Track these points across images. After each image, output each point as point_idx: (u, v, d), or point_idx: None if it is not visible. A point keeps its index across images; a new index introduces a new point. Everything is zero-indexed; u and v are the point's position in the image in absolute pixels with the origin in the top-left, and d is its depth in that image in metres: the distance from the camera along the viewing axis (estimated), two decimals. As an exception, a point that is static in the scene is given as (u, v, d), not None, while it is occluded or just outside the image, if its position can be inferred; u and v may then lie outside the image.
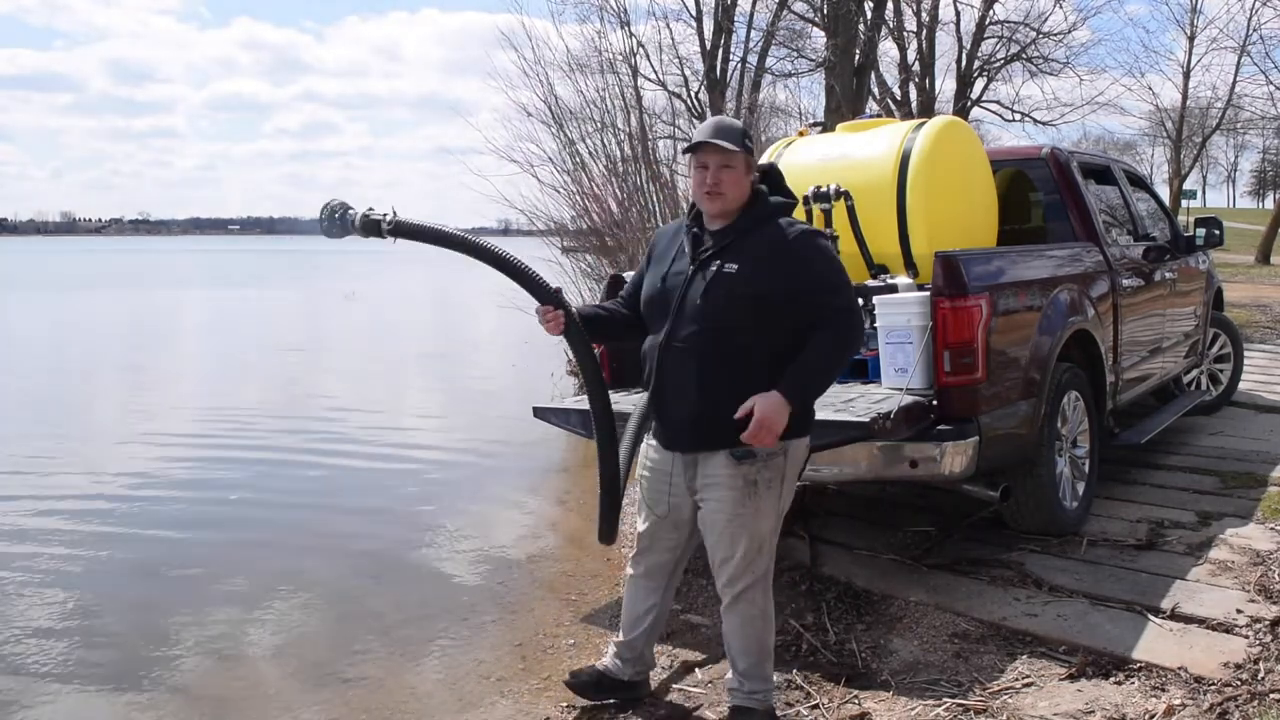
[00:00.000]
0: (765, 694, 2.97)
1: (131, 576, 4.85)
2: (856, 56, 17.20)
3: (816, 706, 3.11)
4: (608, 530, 3.09)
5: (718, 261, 2.75)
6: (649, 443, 3.01)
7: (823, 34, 17.18)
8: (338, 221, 2.83)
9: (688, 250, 2.84)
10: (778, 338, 2.71)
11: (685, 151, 2.87)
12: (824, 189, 4.49)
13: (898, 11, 21.23)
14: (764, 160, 5.10)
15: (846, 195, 4.48)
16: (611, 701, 3.20)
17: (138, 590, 4.64)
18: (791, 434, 2.74)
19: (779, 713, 3.05)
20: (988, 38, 22.33)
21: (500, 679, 3.56)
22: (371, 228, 2.81)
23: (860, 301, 4.19)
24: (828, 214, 4.52)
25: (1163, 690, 3.00)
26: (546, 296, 2.92)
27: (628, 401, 3.41)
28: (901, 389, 3.77)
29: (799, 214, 4.54)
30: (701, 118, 15.62)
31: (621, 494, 3.06)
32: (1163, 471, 5.46)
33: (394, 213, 2.81)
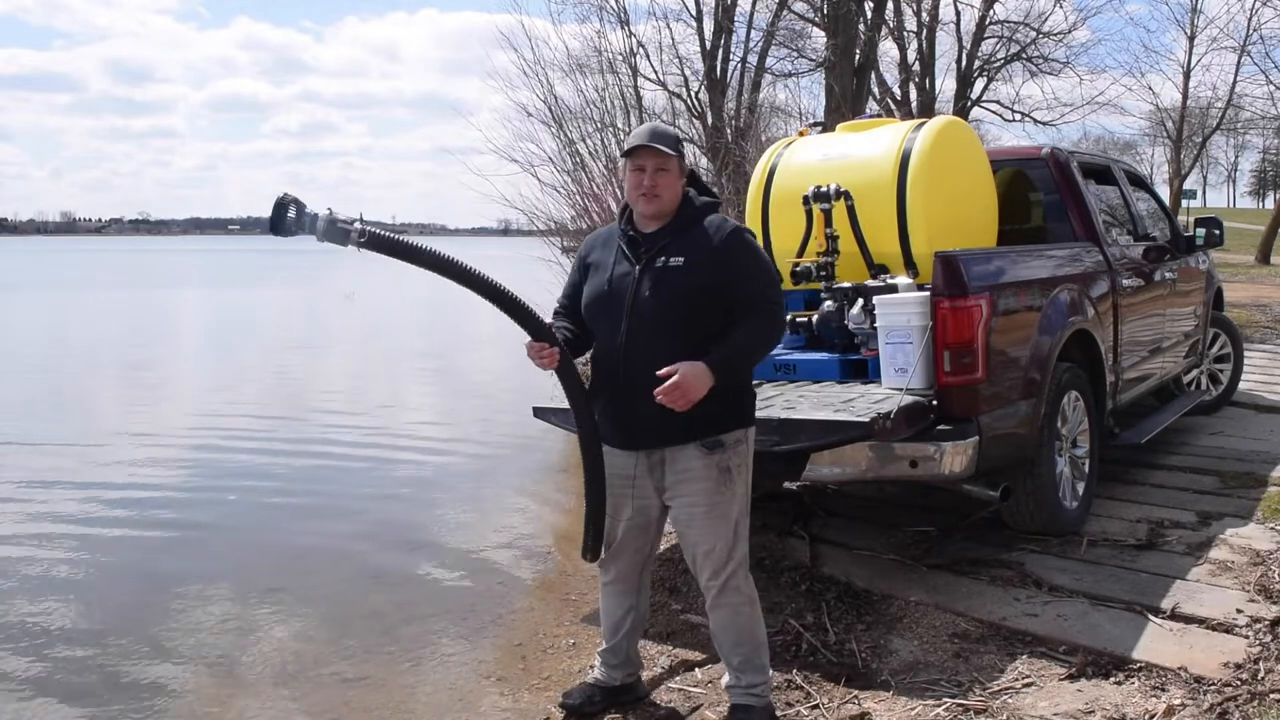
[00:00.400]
0: (763, 687, 2.98)
1: (130, 577, 4.85)
2: (856, 56, 17.18)
3: (816, 706, 3.11)
4: (593, 547, 3.09)
5: (662, 258, 2.83)
6: (612, 448, 2.99)
7: (823, 34, 17.15)
8: (293, 219, 2.46)
9: (628, 253, 2.90)
10: (719, 322, 2.80)
11: (623, 155, 2.94)
12: (824, 189, 4.49)
13: (898, 11, 21.22)
14: (764, 160, 5.12)
15: (846, 195, 4.47)
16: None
17: (136, 591, 4.64)
18: (745, 422, 2.91)
19: (779, 713, 3.05)
20: (988, 38, 22.31)
21: (500, 679, 3.56)
22: (336, 234, 2.45)
23: (862, 302, 4.24)
24: (828, 214, 4.52)
25: (1163, 690, 3.00)
26: (541, 332, 2.78)
27: None
28: (901, 389, 3.76)
29: (798, 213, 4.59)
30: (701, 118, 15.61)
31: (605, 515, 3.05)
32: (1163, 471, 5.46)
33: (362, 220, 2.47)
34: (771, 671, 3.08)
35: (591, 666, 3.33)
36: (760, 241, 4.85)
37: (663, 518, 3.03)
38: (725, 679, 3.06)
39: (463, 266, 2.65)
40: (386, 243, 2.51)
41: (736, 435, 2.88)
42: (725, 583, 2.90)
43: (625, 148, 2.93)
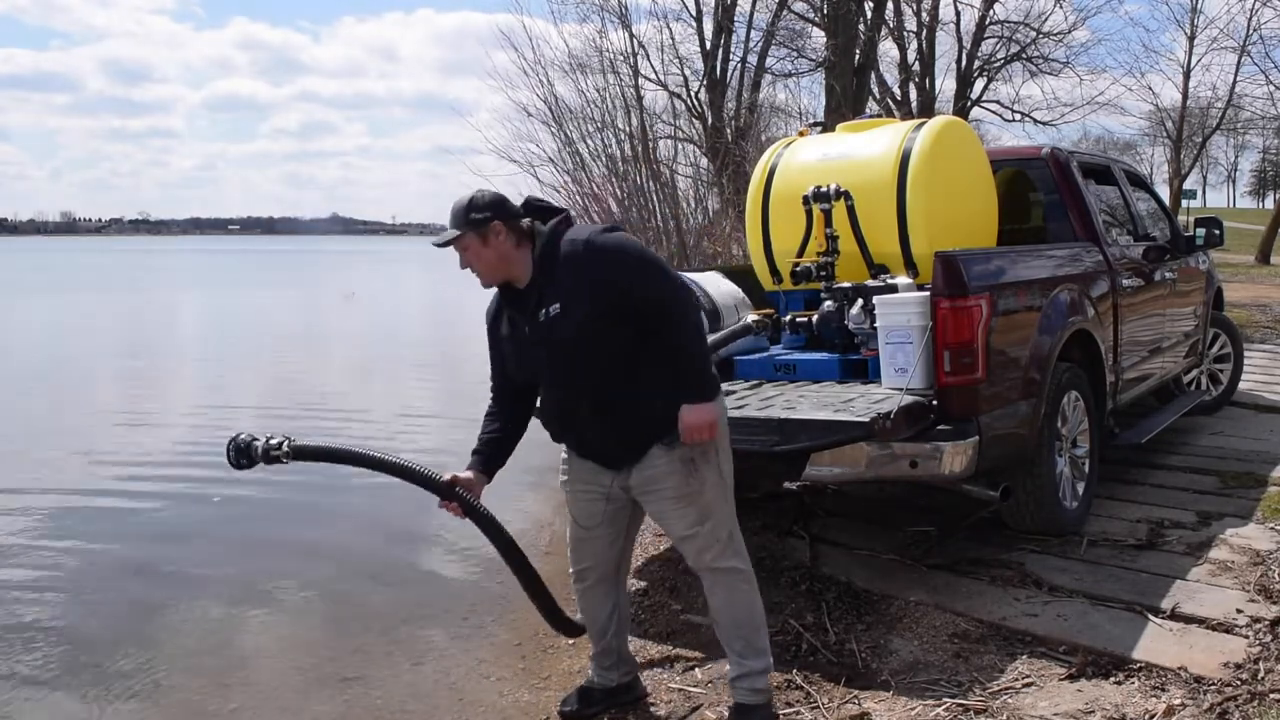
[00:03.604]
0: (764, 673, 2.98)
1: (128, 577, 4.85)
2: (856, 56, 17.18)
3: (816, 706, 3.10)
4: (565, 625, 3.29)
5: (543, 311, 2.77)
6: (572, 458, 3.01)
7: (823, 34, 17.15)
8: (245, 454, 2.98)
9: (515, 316, 2.88)
10: (638, 333, 2.74)
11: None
12: (824, 189, 4.49)
13: (898, 11, 21.22)
14: (764, 160, 5.11)
15: (846, 195, 4.47)
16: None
17: (134, 591, 4.64)
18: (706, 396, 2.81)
19: (780, 713, 3.05)
20: (988, 38, 22.31)
21: (500, 679, 3.56)
22: (273, 458, 2.97)
23: (862, 302, 4.24)
24: (828, 214, 4.52)
25: (1163, 690, 3.00)
26: (439, 491, 3.00)
27: None
28: (901, 389, 3.76)
29: (798, 213, 4.58)
30: (701, 117, 15.61)
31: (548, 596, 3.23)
32: (1163, 471, 5.45)
33: (288, 441, 2.95)
34: (773, 671, 3.07)
35: (588, 669, 3.32)
36: (760, 242, 4.91)
37: (636, 514, 3.04)
38: (728, 670, 3.04)
39: (371, 457, 3.10)
40: (310, 451, 3.03)
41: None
42: (712, 564, 2.91)
43: None
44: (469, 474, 3.02)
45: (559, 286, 2.74)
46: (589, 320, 2.71)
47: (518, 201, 2.90)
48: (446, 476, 3.00)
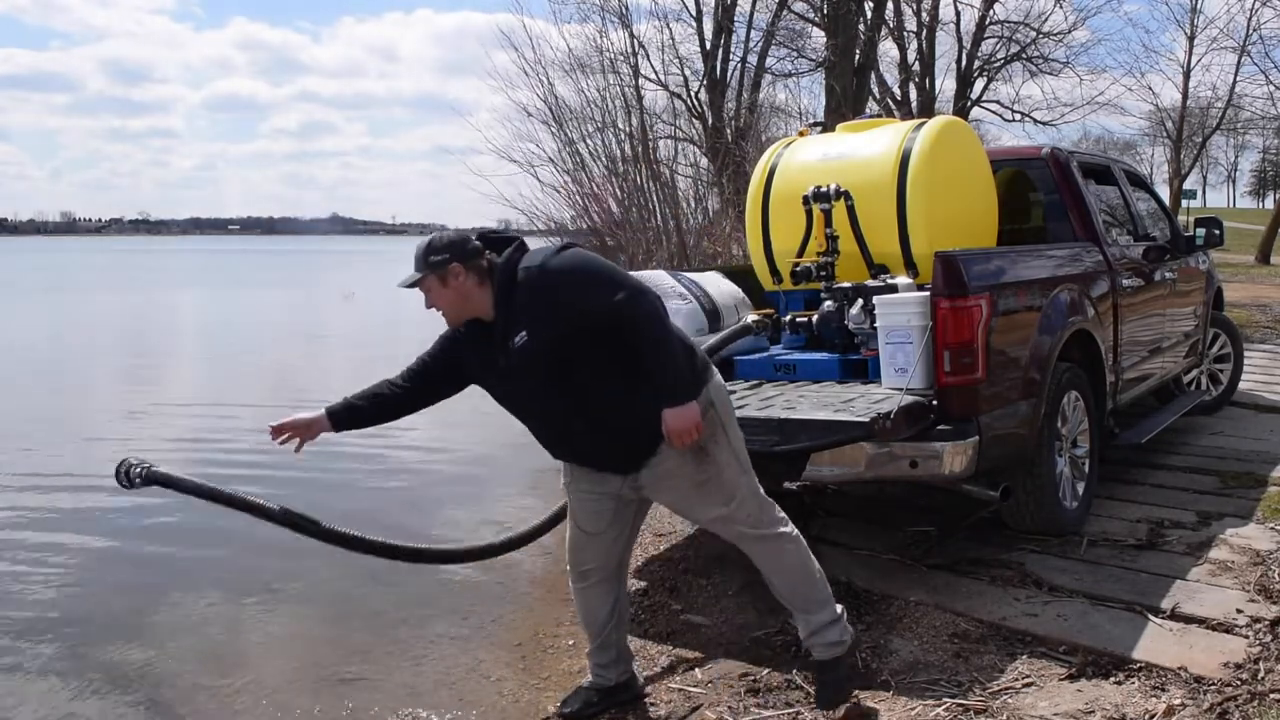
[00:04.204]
0: (834, 623, 2.98)
1: (126, 576, 4.85)
2: (856, 56, 17.18)
3: (817, 706, 3.10)
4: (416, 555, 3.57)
5: (510, 342, 2.77)
6: (579, 470, 3.02)
7: (823, 34, 17.15)
8: (131, 478, 3.20)
9: (484, 347, 2.87)
10: (612, 345, 2.73)
11: None
12: (824, 189, 4.49)
13: (898, 11, 21.21)
14: (764, 160, 5.11)
15: (846, 195, 4.47)
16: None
17: (133, 590, 4.64)
18: (698, 384, 2.80)
19: (779, 713, 3.05)
20: (988, 38, 22.30)
21: (500, 679, 3.56)
22: (152, 482, 3.22)
23: (862, 302, 4.23)
24: (828, 214, 4.52)
25: (1163, 690, 3.00)
26: (272, 517, 3.27)
27: None
28: (901, 389, 3.76)
29: (798, 213, 4.58)
30: (701, 118, 15.61)
31: None
32: (1163, 471, 5.45)
33: (145, 467, 3.20)
34: (844, 622, 3.03)
35: (586, 670, 3.32)
36: (760, 242, 4.91)
37: (642, 510, 3.06)
38: (799, 630, 3.05)
39: (238, 499, 3.37)
40: (170, 480, 3.26)
41: (700, 405, 2.79)
42: (751, 534, 2.93)
43: None
44: (308, 415, 3.07)
45: (522, 314, 2.75)
46: (558, 342, 2.72)
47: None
48: (274, 423, 3.09)
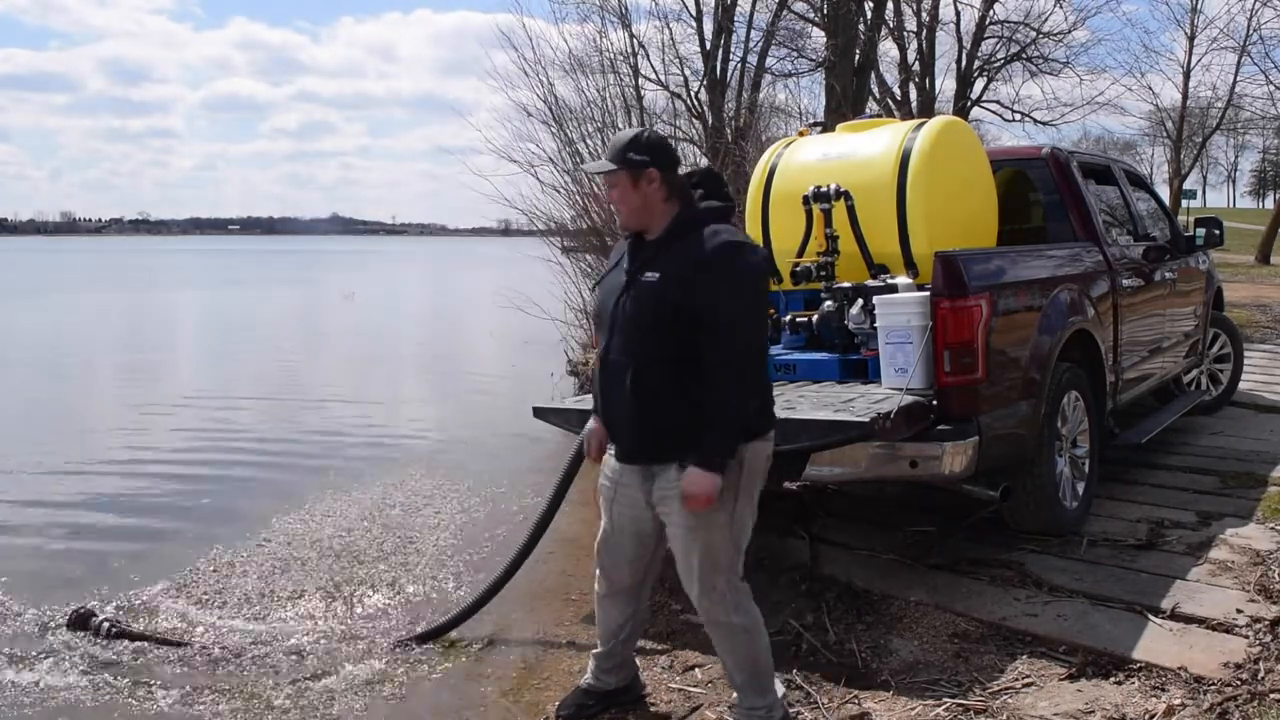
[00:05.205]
0: (765, 711, 2.88)
1: (125, 575, 4.84)
2: (856, 56, 17.16)
3: (816, 706, 3.11)
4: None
5: (645, 272, 2.71)
6: (610, 453, 2.98)
7: (823, 34, 17.14)
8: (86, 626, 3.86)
9: (626, 262, 2.81)
10: (703, 345, 2.65)
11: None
12: (824, 189, 4.50)
13: (898, 11, 21.20)
14: (764, 160, 5.11)
15: (846, 195, 4.47)
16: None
17: (131, 589, 4.63)
18: (747, 437, 2.70)
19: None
20: (988, 38, 22.28)
21: (500, 679, 3.56)
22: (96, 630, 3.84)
23: (862, 302, 4.23)
24: (827, 214, 4.52)
25: (1163, 690, 3.00)
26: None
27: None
28: (901, 389, 3.76)
29: (798, 213, 4.59)
30: (701, 118, 15.59)
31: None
32: (1163, 471, 5.45)
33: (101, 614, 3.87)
34: (781, 713, 2.93)
35: (585, 670, 3.30)
36: (760, 242, 4.90)
37: (662, 536, 2.94)
38: (734, 696, 2.98)
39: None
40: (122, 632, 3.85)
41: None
42: (708, 610, 2.83)
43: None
44: (594, 423, 3.00)
45: (673, 259, 2.67)
46: (672, 304, 2.63)
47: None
48: (594, 449, 3.00)
